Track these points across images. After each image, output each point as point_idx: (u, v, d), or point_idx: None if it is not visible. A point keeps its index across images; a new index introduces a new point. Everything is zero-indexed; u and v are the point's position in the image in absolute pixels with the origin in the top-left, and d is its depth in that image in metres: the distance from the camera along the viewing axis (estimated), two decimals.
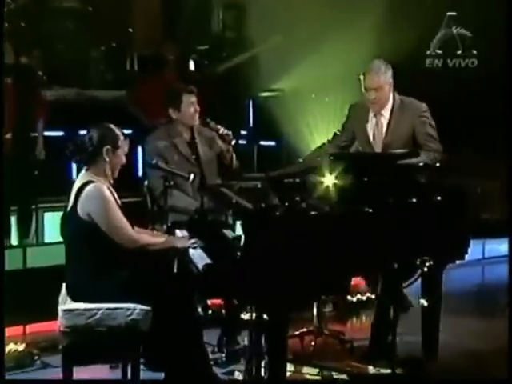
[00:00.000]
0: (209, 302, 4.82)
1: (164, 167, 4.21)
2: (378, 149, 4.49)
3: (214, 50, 6.99)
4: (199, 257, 3.72)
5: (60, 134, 6.25)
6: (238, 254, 3.40)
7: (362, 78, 4.51)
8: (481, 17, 6.16)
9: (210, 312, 4.73)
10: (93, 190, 3.73)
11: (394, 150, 4.30)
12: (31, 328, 4.77)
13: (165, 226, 4.36)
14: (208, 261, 3.59)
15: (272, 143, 7.16)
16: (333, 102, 6.34)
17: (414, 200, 3.84)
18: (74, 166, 6.23)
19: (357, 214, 3.56)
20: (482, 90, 6.38)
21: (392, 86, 4.51)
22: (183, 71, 6.59)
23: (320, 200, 3.65)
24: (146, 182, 4.83)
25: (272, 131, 6.90)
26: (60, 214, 5.81)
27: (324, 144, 4.70)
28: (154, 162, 4.23)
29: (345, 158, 3.87)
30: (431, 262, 3.93)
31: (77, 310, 3.65)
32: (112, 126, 3.88)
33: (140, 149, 6.18)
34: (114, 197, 3.83)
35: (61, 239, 5.61)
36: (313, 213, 3.48)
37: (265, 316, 3.53)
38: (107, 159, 3.82)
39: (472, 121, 6.30)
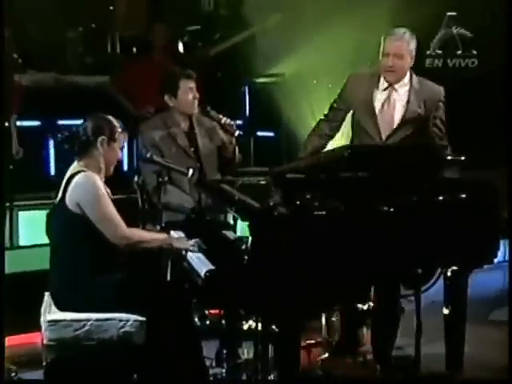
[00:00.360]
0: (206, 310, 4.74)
1: (160, 161, 4.13)
2: (384, 124, 4.39)
3: (206, 31, 6.94)
4: (199, 261, 3.65)
5: (36, 124, 6.17)
6: (245, 257, 3.33)
7: (382, 41, 4.42)
8: (481, 17, 6.34)
9: (207, 322, 4.66)
10: (83, 179, 3.70)
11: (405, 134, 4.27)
12: (8, 341, 4.68)
13: (158, 227, 4.27)
14: (210, 266, 3.52)
15: (270, 134, 7.09)
16: (336, 88, 6.29)
17: (440, 197, 3.78)
18: (53, 160, 6.23)
19: (376, 214, 3.50)
20: (481, 90, 6.56)
21: (412, 61, 4.42)
22: (172, 54, 6.49)
23: (332, 198, 3.59)
24: (136, 178, 4.75)
25: (270, 121, 6.84)
26: (36, 213, 5.82)
27: (321, 120, 4.61)
28: (148, 155, 4.15)
29: (362, 151, 3.79)
30: (455, 267, 3.89)
31: (63, 320, 3.59)
32: (110, 117, 3.85)
33: (127, 141, 6.09)
34: (107, 191, 3.77)
35: (38, 241, 5.62)
36: (329, 212, 3.42)
37: (272, 325, 3.49)
38: (101, 151, 3.77)
39: (472, 121, 6.44)
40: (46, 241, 5.46)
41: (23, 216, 5.87)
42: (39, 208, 5.85)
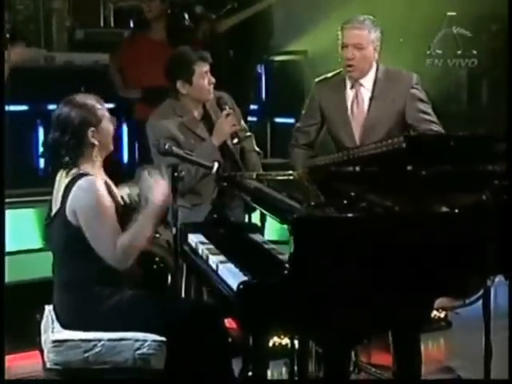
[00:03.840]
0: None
1: (181, 154, 3.96)
2: (358, 127, 4.44)
3: (215, 1, 6.77)
4: (228, 272, 3.49)
5: (23, 108, 6.02)
6: (286, 267, 3.17)
7: (339, 32, 4.44)
8: (481, 17, 6.54)
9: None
10: (84, 184, 3.49)
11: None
12: None
13: (174, 230, 4.11)
14: (242, 277, 3.36)
15: (290, 120, 6.94)
16: None
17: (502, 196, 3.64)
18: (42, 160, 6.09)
19: (443, 216, 3.36)
20: (481, 90, 6.91)
21: (377, 52, 4.44)
22: (175, 29, 6.33)
23: (381, 197, 3.46)
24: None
25: (290, 105, 6.70)
26: (24, 211, 5.66)
27: (296, 130, 4.68)
28: (166, 146, 3.98)
29: (424, 141, 3.65)
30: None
31: (70, 340, 3.45)
32: (80, 97, 3.59)
33: (125, 127, 6.00)
34: (111, 194, 3.58)
35: (25, 246, 5.47)
36: (385, 214, 3.29)
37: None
38: (96, 142, 3.57)
39: (472, 121, 6.75)
40: (34, 245, 5.37)
41: (8, 215, 5.70)
42: (26, 206, 5.72)
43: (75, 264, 3.54)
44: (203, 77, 4.63)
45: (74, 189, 3.50)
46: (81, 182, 3.50)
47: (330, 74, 4.67)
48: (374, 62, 4.48)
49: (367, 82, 4.47)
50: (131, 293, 3.57)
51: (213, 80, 4.68)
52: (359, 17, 4.44)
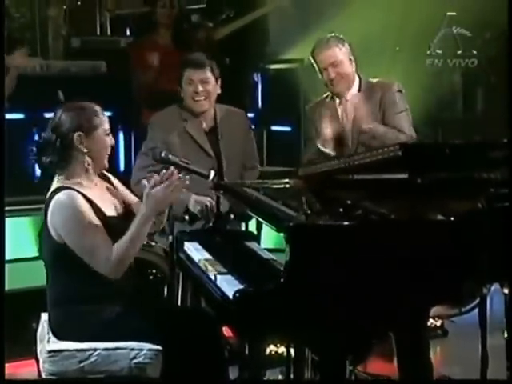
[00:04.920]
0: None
1: (177, 161, 3.94)
2: (347, 140, 4.53)
3: (212, 10, 6.79)
4: (224, 280, 3.48)
5: (19, 116, 6.01)
6: (282, 275, 3.16)
7: (312, 60, 4.59)
8: (481, 17, 6.55)
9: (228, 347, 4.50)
10: (61, 200, 3.40)
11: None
12: None
13: (170, 237, 4.09)
14: (238, 285, 3.35)
15: (286, 128, 6.96)
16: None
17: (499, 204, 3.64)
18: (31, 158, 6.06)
19: (439, 223, 3.34)
20: (481, 90, 6.94)
21: (355, 65, 4.57)
22: (174, 36, 6.34)
23: (377, 205, 3.45)
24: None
25: (286, 113, 6.72)
26: (20, 219, 5.65)
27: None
28: (163, 154, 3.96)
29: (420, 149, 3.65)
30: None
31: (66, 350, 3.43)
32: (76, 103, 3.52)
33: (122, 135, 5.99)
34: (94, 206, 3.47)
35: (23, 254, 5.45)
36: (381, 221, 3.27)
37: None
38: (83, 149, 3.47)
39: (472, 121, 6.82)
40: (32, 253, 5.35)
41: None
42: (23, 214, 5.71)
43: (62, 280, 3.50)
44: (189, 83, 4.57)
45: (52, 204, 3.42)
46: (58, 197, 3.41)
47: (318, 99, 4.77)
48: (356, 75, 4.59)
49: (352, 95, 4.58)
50: (122, 307, 3.52)
51: (200, 89, 4.55)
52: (322, 39, 4.59)
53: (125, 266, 3.42)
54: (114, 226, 3.47)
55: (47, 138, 3.47)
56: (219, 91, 4.67)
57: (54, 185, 3.51)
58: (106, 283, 3.44)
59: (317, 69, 4.61)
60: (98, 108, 3.53)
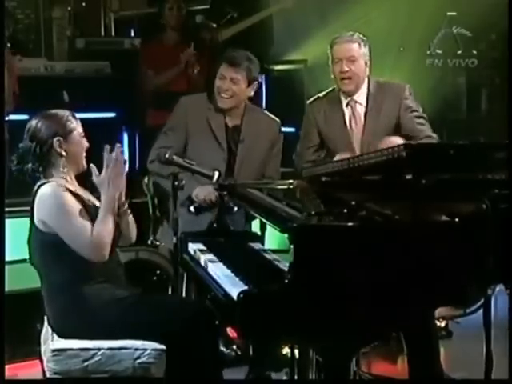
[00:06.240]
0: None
1: (181, 163, 3.95)
2: (358, 144, 4.47)
3: (216, 11, 6.79)
4: (229, 280, 3.48)
5: (24, 117, 5.99)
6: (286, 276, 3.16)
7: (329, 49, 4.53)
8: (481, 17, 6.55)
9: (234, 347, 4.51)
10: (44, 192, 3.55)
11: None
12: None
13: (174, 239, 4.10)
14: (243, 286, 3.35)
15: (290, 129, 6.93)
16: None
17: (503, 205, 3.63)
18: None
19: (437, 225, 3.34)
20: (481, 90, 6.93)
21: (368, 67, 4.52)
22: (183, 38, 6.34)
23: (381, 206, 3.45)
24: (145, 179, 4.60)
25: (290, 114, 6.68)
26: (27, 220, 5.65)
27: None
28: (167, 155, 3.97)
29: (424, 150, 3.65)
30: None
31: (70, 349, 3.44)
32: (50, 110, 3.70)
33: (126, 135, 6.00)
34: (77, 196, 3.60)
35: (26, 255, 5.43)
36: (384, 222, 3.28)
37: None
38: (62, 152, 3.63)
39: (476, 121, 6.82)
40: None
41: (7, 224, 5.68)
42: (27, 215, 5.69)
43: (58, 270, 3.56)
44: (220, 78, 4.55)
45: (37, 198, 3.56)
46: (41, 191, 3.56)
47: (321, 94, 4.71)
48: (366, 79, 4.54)
49: (360, 97, 4.53)
50: (123, 290, 3.60)
51: (229, 87, 4.52)
52: (348, 32, 4.53)
53: (105, 247, 3.50)
54: (94, 214, 3.58)
55: (26, 147, 3.63)
56: (251, 94, 4.65)
57: (39, 182, 3.63)
58: (97, 269, 3.54)
59: (330, 59, 4.54)
60: (70, 113, 3.70)
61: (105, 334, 3.48)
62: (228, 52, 4.70)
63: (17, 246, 5.36)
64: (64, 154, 3.62)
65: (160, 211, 4.60)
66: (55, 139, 3.59)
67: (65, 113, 3.67)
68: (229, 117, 4.64)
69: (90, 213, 3.57)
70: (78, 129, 3.67)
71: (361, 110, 4.53)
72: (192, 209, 4.47)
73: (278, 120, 4.79)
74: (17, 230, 5.44)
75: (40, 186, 3.58)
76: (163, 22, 6.19)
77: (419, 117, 4.52)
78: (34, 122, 3.65)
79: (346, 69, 4.44)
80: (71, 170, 3.67)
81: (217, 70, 4.59)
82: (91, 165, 3.65)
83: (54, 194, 3.52)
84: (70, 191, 3.58)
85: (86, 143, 3.71)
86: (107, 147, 3.56)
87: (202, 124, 4.59)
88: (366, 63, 4.50)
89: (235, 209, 4.18)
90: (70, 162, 3.65)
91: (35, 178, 3.63)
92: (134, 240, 3.84)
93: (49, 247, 3.56)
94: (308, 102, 4.74)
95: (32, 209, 3.58)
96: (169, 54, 5.98)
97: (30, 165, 3.61)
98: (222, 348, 4.52)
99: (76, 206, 3.53)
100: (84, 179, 3.75)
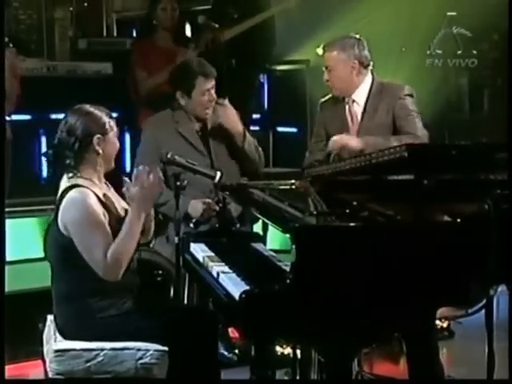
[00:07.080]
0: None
1: (183, 163, 3.96)
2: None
3: (218, 11, 6.78)
4: (230, 281, 3.48)
5: (26, 117, 6.02)
6: (288, 276, 3.16)
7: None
8: (481, 17, 6.60)
9: (236, 351, 4.51)
10: (73, 196, 3.51)
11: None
12: None
13: (176, 239, 4.11)
14: (244, 286, 3.36)
15: (293, 130, 6.95)
16: None
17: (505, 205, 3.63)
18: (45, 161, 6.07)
19: (439, 226, 3.34)
20: (482, 90, 7.01)
21: (358, 68, 4.52)
22: (177, 38, 6.33)
23: (383, 206, 3.45)
24: None
25: (293, 114, 6.72)
26: (26, 221, 5.65)
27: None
28: (169, 155, 3.98)
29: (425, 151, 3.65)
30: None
31: (72, 350, 3.45)
32: (92, 108, 3.63)
33: (129, 136, 6.00)
34: (105, 206, 3.57)
35: (27, 255, 5.45)
36: (386, 223, 3.27)
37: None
38: (100, 151, 3.60)
39: (478, 122, 6.87)
40: (37, 254, 5.35)
41: (10, 224, 5.69)
42: (28, 215, 5.72)
43: (71, 275, 3.55)
44: (203, 94, 4.62)
45: (65, 200, 3.52)
46: (71, 194, 3.52)
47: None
48: (367, 77, 4.55)
49: (359, 97, 4.55)
50: (131, 303, 3.57)
51: (213, 97, 4.64)
52: (334, 39, 4.60)
53: (120, 268, 3.47)
54: (118, 226, 3.53)
55: (64, 141, 3.58)
56: None
57: (66, 183, 3.59)
58: (107, 284, 3.50)
59: None
60: (108, 112, 3.67)
61: (108, 339, 3.48)
62: (195, 67, 4.74)
63: (17, 246, 5.41)
64: (101, 152, 3.59)
65: (162, 215, 4.59)
66: (95, 137, 3.56)
67: (106, 110, 3.65)
68: (198, 123, 4.73)
69: (115, 224, 3.53)
70: (115, 129, 3.65)
71: (358, 109, 4.56)
72: (192, 225, 4.49)
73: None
74: (17, 230, 5.49)
75: (71, 187, 3.54)
76: (155, 23, 6.12)
77: (409, 115, 4.51)
78: (73, 117, 3.58)
79: (326, 78, 4.56)
80: (103, 169, 3.65)
81: (189, 86, 4.61)
82: (124, 177, 3.61)
83: (81, 201, 3.48)
84: (99, 198, 3.54)
85: (118, 144, 3.70)
86: (145, 167, 3.53)
87: (176, 140, 4.63)
88: (350, 66, 4.52)
89: (235, 214, 4.21)
90: (104, 161, 3.63)
91: (68, 173, 3.59)
92: (151, 238, 3.83)
93: (65, 250, 3.53)
94: (320, 100, 4.79)
95: (58, 207, 3.54)
96: (161, 55, 5.91)
97: (64, 160, 3.57)
98: (224, 351, 4.53)
99: (100, 220, 3.48)
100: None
